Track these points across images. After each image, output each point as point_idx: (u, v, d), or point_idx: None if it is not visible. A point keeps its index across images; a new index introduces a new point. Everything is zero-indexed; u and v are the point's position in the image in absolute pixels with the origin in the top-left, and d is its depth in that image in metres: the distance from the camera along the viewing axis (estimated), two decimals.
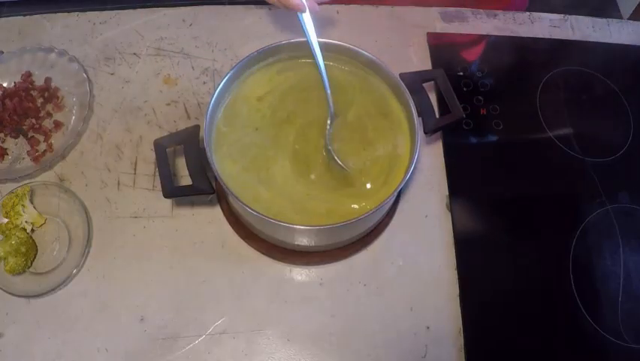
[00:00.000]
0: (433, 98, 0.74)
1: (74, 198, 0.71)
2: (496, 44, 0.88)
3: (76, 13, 0.88)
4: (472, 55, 0.87)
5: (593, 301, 0.70)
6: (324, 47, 0.67)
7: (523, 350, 0.68)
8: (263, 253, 0.70)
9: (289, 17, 0.88)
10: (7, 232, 0.68)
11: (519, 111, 0.83)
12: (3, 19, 0.87)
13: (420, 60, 0.85)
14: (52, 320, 0.66)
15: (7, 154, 0.76)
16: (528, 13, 0.92)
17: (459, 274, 0.70)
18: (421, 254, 0.71)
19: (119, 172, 0.75)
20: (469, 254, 0.71)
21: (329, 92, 0.65)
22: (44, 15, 0.88)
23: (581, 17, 0.93)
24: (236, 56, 0.84)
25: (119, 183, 0.74)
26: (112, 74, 0.83)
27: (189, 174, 0.62)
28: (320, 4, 0.66)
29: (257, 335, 0.66)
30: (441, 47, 0.86)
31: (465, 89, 0.83)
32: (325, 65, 0.69)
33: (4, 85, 0.80)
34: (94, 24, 0.87)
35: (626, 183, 0.78)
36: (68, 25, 0.87)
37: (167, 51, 0.85)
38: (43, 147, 0.76)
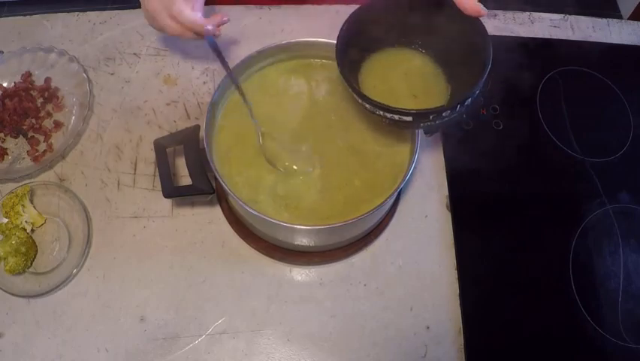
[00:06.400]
0: None
1: (74, 198, 0.71)
2: (496, 44, 0.88)
3: (76, 13, 0.88)
4: None
5: (593, 301, 0.70)
6: (324, 47, 0.67)
7: (523, 350, 0.68)
8: (263, 253, 0.70)
9: (289, 18, 0.88)
10: (7, 232, 0.68)
11: (519, 111, 0.83)
12: (3, 19, 0.88)
13: None
14: (52, 320, 0.66)
15: (7, 154, 0.76)
16: (528, 13, 0.92)
17: (459, 274, 0.70)
18: (421, 254, 0.71)
19: (119, 172, 0.75)
20: (469, 254, 0.71)
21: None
22: (44, 15, 0.88)
23: (581, 17, 0.93)
24: (236, 56, 0.84)
25: (119, 183, 0.74)
26: (112, 74, 0.83)
27: (189, 174, 0.62)
28: (219, 25, 0.66)
29: (257, 335, 0.66)
30: None
31: None
32: (324, 64, 0.70)
33: (4, 85, 0.80)
34: (94, 24, 0.87)
35: (626, 183, 0.78)
36: (68, 25, 0.87)
37: (167, 51, 0.85)
38: (43, 147, 0.76)
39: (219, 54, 0.64)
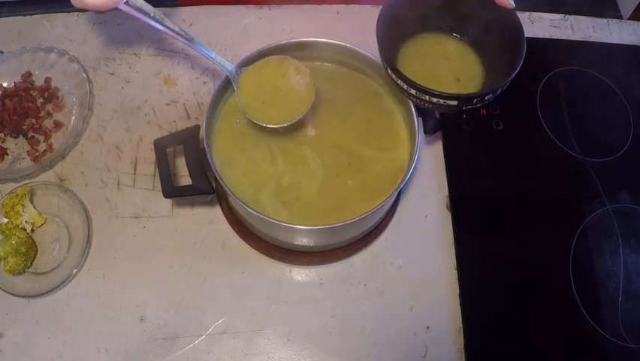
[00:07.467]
0: None
1: (74, 198, 0.71)
2: None
3: (77, 13, 0.88)
4: None
5: (593, 301, 0.70)
6: (324, 47, 0.67)
7: (523, 350, 0.68)
8: (263, 253, 0.70)
9: (289, 18, 0.88)
10: (7, 232, 0.68)
11: (519, 111, 0.83)
12: (3, 19, 0.88)
13: None
14: (52, 320, 0.66)
15: (7, 154, 0.76)
16: (528, 13, 0.92)
17: (459, 274, 0.70)
18: (421, 254, 0.71)
19: (119, 172, 0.75)
20: (469, 254, 0.71)
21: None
22: (44, 15, 0.88)
23: (581, 17, 0.93)
24: (236, 55, 0.84)
25: (119, 183, 0.74)
26: (112, 74, 0.83)
27: (189, 174, 0.62)
28: None
29: (257, 335, 0.66)
30: None
31: None
32: (325, 66, 0.70)
33: (4, 85, 0.80)
34: (94, 24, 0.87)
35: (626, 183, 0.78)
36: (68, 25, 0.87)
37: (167, 51, 0.84)
38: (43, 147, 0.76)
39: (147, 15, 0.57)
